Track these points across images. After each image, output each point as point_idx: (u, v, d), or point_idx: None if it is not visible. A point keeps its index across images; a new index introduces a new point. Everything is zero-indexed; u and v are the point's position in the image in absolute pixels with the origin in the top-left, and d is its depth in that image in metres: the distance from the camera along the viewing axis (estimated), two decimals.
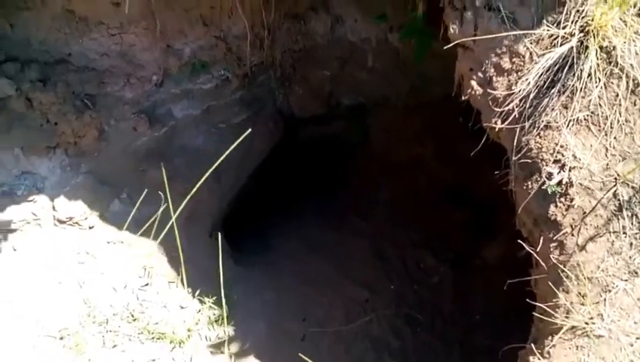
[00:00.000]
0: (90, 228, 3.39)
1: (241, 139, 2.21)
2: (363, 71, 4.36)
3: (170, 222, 2.54)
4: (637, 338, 1.82)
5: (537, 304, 2.24)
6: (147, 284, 3.52)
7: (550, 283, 2.12)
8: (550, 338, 2.02)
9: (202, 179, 2.34)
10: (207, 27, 3.57)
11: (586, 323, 1.92)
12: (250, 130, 2.33)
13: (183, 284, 3.57)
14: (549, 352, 1.97)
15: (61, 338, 3.08)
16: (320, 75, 4.36)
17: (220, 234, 2.89)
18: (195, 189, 2.39)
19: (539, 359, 2.01)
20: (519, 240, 2.37)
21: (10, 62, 3.04)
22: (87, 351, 3.08)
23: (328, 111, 4.63)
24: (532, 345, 2.17)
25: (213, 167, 2.23)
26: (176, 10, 3.35)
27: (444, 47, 2.47)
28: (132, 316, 3.32)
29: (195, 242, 3.88)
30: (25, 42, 3.11)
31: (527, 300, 2.20)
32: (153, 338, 3.30)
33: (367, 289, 4.19)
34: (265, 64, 4.08)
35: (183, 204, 2.45)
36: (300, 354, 3.60)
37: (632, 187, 2.02)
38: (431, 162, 4.82)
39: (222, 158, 2.23)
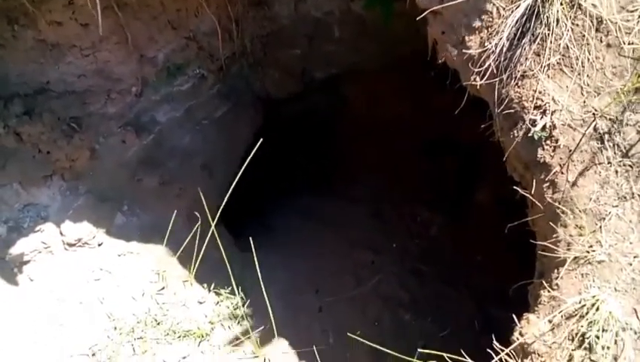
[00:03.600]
0: (99, 245, 3.48)
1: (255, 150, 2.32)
2: (331, 43, 4.40)
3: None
4: (635, 258, 1.99)
5: (538, 242, 2.40)
6: (163, 288, 3.64)
7: (549, 220, 2.27)
8: (556, 271, 2.17)
9: None
10: (175, 30, 3.58)
11: (587, 252, 2.07)
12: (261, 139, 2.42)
13: (199, 281, 3.71)
14: (557, 284, 2.12)
15: (93, 355, 3.20)
16: (290, 54, 4.40)
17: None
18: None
19: (549, 291, 2.16)
20: (513, 186, 2.51)
21: None
22: (119, 361, 3.21)
23: (304, 87, 4.69)
24: (540, 279, 2.35)
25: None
26: (143, 19, 3.36)
27: (417, 18, 2.56)
28: (155, 320, 3.45)
29: (200, 238, 3.97)
30: (3, 79, 3.11)
31: (531, 241, 2.34)
32: (179, 337, 3.44)
33: (371, 251, 4.34)
34: (236, 55, 4.12)
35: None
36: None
37: (610, 119, 2.15)
38: (411, 118, 4.93)
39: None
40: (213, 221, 3.45)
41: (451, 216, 4.57)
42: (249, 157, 2.55)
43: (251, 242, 3.20)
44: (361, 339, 2.62)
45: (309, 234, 4.57)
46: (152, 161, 3.76)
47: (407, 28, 4.03)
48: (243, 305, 3.76)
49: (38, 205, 3.24)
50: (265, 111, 4.68)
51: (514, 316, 2.23)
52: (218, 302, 3.73)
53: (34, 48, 3.12)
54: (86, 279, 3.38)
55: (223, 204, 2.86)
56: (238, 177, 3.21)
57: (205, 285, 3.74)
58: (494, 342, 2.12)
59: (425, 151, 4.96)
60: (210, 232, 3.38)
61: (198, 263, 3.35)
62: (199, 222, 2.97)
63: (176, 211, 3.86)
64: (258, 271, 2.99)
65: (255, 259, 3.17)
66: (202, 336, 3.47)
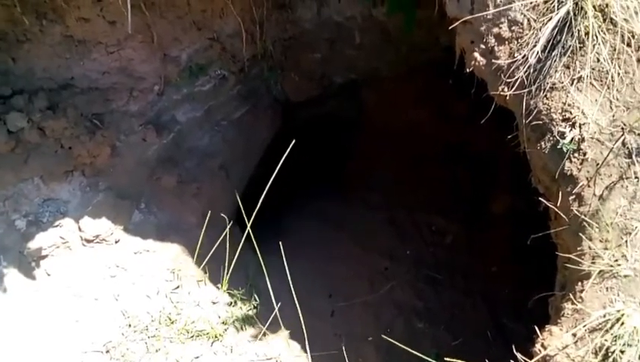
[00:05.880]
0: (116, 242, 3.49)
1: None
2: (352, 48, 4.40)
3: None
4: None
5: (560, 254, 2.40)
6: (178, 287, 3.64)
7: (574, 233, 2.26)
8: (580, 284, 2.16)
9: None
10: (200, 31, 3.60)
11: (612, 266, 2.06)
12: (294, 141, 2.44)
13: (213, 281, 3.70)
14: (581, 297, 2.11)
15: (107, 352, 3.20)
16: (311, 58, 4.41)
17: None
18: None
19: (573, 304, 2.15)
20: (533, 197, 2.51)
21: (18, 94, 3.06)
22: (133, 359, 3.21)
23: (322, 91, 4.69)
24: (562, 291, 2.34)
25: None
26: (169, 18, 3.38)
27: (450, 27, 2.56)
28: (169, 319, 3.45)
29: (216, 238, 3.97)
30: (29, 73, 3.13)
31: (557, 253, 2.34)
32: (192, 336, 3.44)
33: (385, 257, 4.34)
34: (258, 57, 4.13)
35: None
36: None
37: (639, 134, 2.15)
38: (428, 126, 4.93)
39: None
40: (249, 221, 3.47)
41: (467, 225, 4.57)
42: (281, 160, 2.57)
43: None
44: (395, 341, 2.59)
45: (324, 239, 4.58)
46: (170, 160, 3.77)
47: (427, 36, 4.06)
48: (256, 308, 3.77)
49: (58, 200, 3.25)
50: (283, 114, 4.69)
51: (536, 328, 2.22)
52: (231, 303, 3.73)
53: (60, 43, 3.13)
54: (102, 276, 3.39)
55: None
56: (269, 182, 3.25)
57: (219, 285, 3.74)
58: (517, 353, 2.12)
59: (441, 159, 4.95)
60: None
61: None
62: (230, 223, 2.96)
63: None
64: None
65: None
66: (215, 337, 3.47)
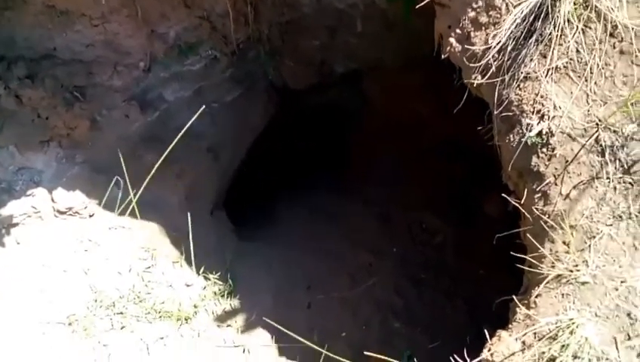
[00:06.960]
0: (90, 216, 3.45)
1: None
2: (353, 36, 4.28)
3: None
4: (622, 282, 1.82)
5: (525, 256, 2.25)
6: (151, 266, 3.59)
7: (537, 234, 2.12)
8: (537, 288, 2.02)
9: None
10: (189, 8, 3.53)
11: (571, 271, 1.92)
12: None
13: (189, 263, 3.64)
14: (535, 302, 1.98)
15: (69, 324, 3.16)
16: (310, 44, 4.29)
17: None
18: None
19: (525, 310, 2.01)
20: (504, 195, 2.37)
21: None
22: (95, 334, 3.16)
23: (322, 80, 4.58)
24: (518, 296, 2.20)
25: None
26: None
27: (417, 6, 2.44)
28: (138, 297, 3.40)
29: (197, 220, 3.91)
30: (9, 41, 3.12)
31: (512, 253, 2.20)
32: (161, 317, 3.39)
33: (371, 253, 4.22)
34: (252, 39, 4.04)
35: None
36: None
37: (614, 131, 1.99)
38: (429, 120, 4.77)
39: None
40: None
41: (458, 225, 4.40)
42: None
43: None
44: None
45: (312, 230, 4.49)
46: (154, 138, 3.72)
47: (429, 26, 3.91)
48: (230, 293, 3.70)
49: (32, 169, 3.23)
50: (281, 102, 4.61)
51: (486, 332, 2.09)
52: (205, 287, 3.67)
53: (43, 13, 3.12)
54: (74, 248, 3.35)
55: None
56: None
57: (194, 268, 3.68)
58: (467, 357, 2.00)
59: (441, 155, 4.78)
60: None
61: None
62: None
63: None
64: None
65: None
66: (184, 319, 3.41)
